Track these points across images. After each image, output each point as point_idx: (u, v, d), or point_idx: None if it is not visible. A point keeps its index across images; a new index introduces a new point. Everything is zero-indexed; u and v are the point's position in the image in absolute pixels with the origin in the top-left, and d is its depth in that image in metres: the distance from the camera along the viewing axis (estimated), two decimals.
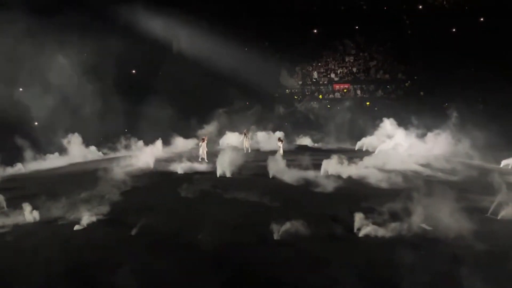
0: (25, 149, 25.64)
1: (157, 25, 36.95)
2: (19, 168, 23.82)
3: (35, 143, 26.32)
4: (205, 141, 25.61)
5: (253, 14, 41.97)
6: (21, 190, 18.40)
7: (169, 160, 24.90)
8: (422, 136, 26.86)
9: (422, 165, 21.97)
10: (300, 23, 44.53)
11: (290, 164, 21.22)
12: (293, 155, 25.95)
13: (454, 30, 41.31)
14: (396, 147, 26.05)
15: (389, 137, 27.79)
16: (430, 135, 26.46)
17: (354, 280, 9.40)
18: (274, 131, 33.99)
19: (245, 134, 30.54)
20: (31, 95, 27.73)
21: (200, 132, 33.37)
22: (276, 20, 42.43)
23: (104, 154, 29.49)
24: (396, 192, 16.70)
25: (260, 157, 25.10)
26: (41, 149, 26.57)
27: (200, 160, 24.83)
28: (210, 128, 33.83)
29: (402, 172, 20.24)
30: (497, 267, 9.92)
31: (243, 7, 41.82)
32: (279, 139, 27.95)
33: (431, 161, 22.76)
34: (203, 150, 25.30)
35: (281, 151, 26.56)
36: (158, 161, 24.49)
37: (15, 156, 24.67)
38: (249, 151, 29.49)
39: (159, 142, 29.02)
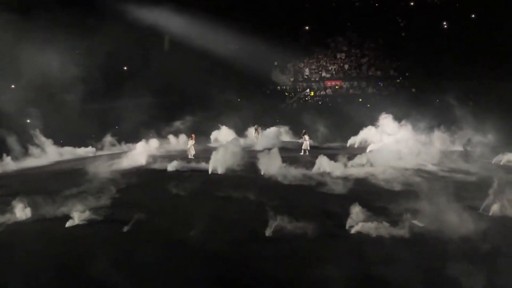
0: (7, 147, 25.32)
1: (146, 18, 36.48)
2: (5, 164, 23.54)
3: (18, 141, 25.95)
4: (193, 139, 25.54)
5: (245, 11, 41.86)
6: (8, 188, 18.20)
7: (161, 157, 24.71)
8: (415, 132, 26.80)
9: (412, 161, 21.97)
10: (292, 19, 44.53)
11: (282, 161, 21.12)
12: (285, 152, 25.86)
13: (445, 26, 41.46)
14: (390, 144, 25.89)
15: (383, 133, 27.71)
16: (421, 131, 26.46)
17: (347, 276, 9.40)
18: (266, 127, 33.78)
19: (256, 130, 30.38)
20: (9, 91, 27.37)
21: (169, 129, 32.89)
22: (268, 17, 42.38)
23: (95, 151, 29.22)
24: (390, 189, 16.84)
25: (253, 154, 24.97)
26: (25, 148, 26.16)
27: (191, 157, 24.70)
28: (178, 125, 33.19)
29: (396, 169, 20.19)
30: (483, 262, 9.95)
31: (235, 3, 41.69)
32: (304, 133, 27.21)
33: (421, 157, 22.73)
34: (190, 147, 25.24)
35: (308, 146, 26.35)
36: (149, 158, 24.30)
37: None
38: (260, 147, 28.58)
39: (152, 139, 28.85)
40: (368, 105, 39.99)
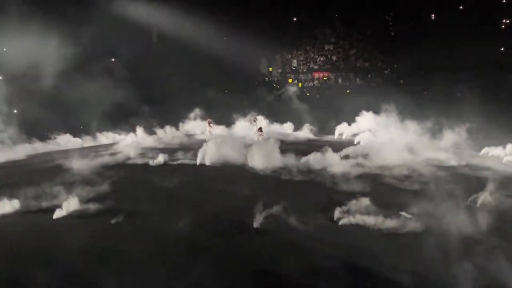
0: None
1: (131, 11, 36.02)
2: None
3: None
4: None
5: (233, 2, 41.61)
6: None
7: (149, 149, 24.53)
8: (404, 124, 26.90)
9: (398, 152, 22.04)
10: (280, 11, 44.35)
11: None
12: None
13: (433, 17, 41.64)
14: (380, 136, 25.94)
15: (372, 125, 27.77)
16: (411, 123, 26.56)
17: (334, 267, 9.46)
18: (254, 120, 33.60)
19: (208, 124, 29.91)
20: None
21: (155, 121, 32.67)
22: (255, 8, 42.16)
23: (82, 142, 28.89)
24: (383, 182, 16.97)
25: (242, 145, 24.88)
26: (10, 139, 25.66)
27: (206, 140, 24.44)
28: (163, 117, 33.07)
29: (383, 160, 20.26)
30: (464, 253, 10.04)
31: None
32: (255, 119, 27.79)
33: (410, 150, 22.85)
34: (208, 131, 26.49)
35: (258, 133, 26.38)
36: (137, 150, 24.10)
37: None
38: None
39: (139, 131, 28.68)
40: (355, 95, 39.94)
